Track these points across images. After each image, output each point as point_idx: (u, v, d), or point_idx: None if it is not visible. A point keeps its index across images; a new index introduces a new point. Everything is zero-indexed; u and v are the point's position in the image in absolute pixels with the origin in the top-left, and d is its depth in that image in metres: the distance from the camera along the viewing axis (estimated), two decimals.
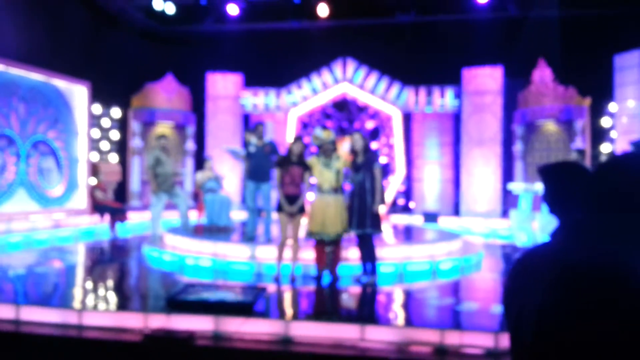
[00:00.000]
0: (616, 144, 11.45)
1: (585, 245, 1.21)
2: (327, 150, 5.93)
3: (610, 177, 1.22)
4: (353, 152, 5.94)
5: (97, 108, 13.25)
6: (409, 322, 4.55)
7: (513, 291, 1.35)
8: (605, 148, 11.82)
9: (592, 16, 11.62)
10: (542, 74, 12.76)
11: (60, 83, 11.59)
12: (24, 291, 5.36)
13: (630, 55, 11.16)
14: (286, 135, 13.83)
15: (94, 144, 13.09)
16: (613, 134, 11.77)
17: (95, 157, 13.11)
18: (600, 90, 11.88)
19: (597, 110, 12.20)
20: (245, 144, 7.31)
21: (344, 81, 13.66)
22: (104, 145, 13.60)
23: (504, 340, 3.84)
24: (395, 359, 3.77)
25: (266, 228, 7.32)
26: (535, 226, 8.45)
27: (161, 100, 14.42)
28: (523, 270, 1.35)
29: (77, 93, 12.09)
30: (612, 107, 11.80)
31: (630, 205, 1.19)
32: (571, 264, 1.18)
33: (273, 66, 14.15)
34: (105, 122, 13.65)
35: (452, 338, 3.91)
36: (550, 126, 12.76)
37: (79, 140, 12.12)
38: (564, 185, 1.68)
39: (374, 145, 13.66)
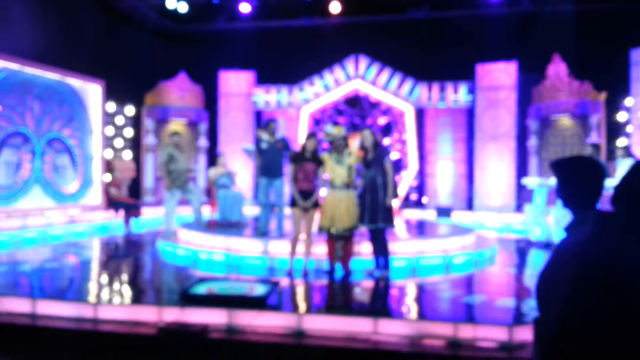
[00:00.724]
0: (632, 139, 11.31)
1: (606, 244, 1.20)
2: (338, 146, 5.93)
3: (633, 179, 1.22)
4: (363, 148, 5.94)
5: (111, 106, 13.36)
6: (422, 315, 4.53)
7: (544, 286, 1.36)
8: (621, 142, 11.68)
9: (608, 10, 11.46)
10: (557, 68, 12.61)
11: (74, 82, 11.70)
12: (40, 285, 5.43)
13: None
14: (298, 132, 13.85)
15: (108, 142, 13.21)
16: (629, 128, 11.63)
17: (109, 154, 13.23)
18: (616, 84, 11.74)
19: (613, 105, 12.05)
20: (258, 141, 7.33)
21: (357, 78, 13.63)
22: (118, 143, 13.72)
23: (518, 334, 3.81)
24: (408, 352, 3.76)
25: (279, 223, 7.34)
26: (549, 221, 8.37)
27: (174, 98, 14.50)
28: (553, 265, 1.36)
29: (92, 91, 12.20)
30: (628, 101, 11.65)
31: None
32: (590, 262, 1.18)
33: (285, 63, 14.17)
34: (119, 120, 13.76)
35: (466, 332, 3.89)
36: (565, 121, 12.62)
37: (93, 137, 12.24)
38: (577, 179, 1.67)
39: (386, 141, 13.63)
